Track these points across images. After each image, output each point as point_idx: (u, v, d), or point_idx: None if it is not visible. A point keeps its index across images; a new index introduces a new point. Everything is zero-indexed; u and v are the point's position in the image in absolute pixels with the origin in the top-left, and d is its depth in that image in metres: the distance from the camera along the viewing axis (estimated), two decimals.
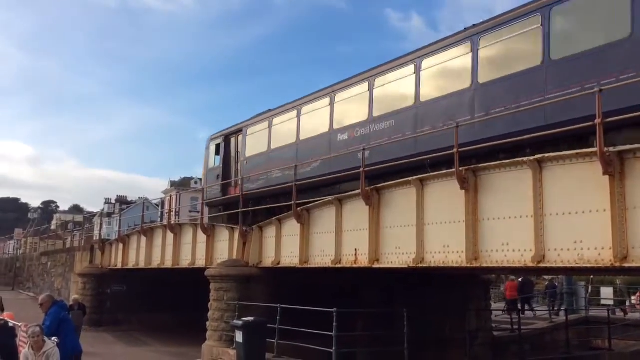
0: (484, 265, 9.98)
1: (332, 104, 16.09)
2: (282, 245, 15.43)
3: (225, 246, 17.66)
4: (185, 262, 19.90)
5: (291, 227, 15.01)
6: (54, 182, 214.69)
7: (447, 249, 10.50)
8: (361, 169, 12.31)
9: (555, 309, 25.87)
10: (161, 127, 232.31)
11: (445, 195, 10.66)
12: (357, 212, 12.79)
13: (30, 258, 38.23)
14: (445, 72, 12.98)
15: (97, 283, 25.15)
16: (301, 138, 17.01)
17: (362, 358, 14.71)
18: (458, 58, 12.52)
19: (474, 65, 12.03)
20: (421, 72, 13.36)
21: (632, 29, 9.42)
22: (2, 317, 13.14)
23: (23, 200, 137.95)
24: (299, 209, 14.48)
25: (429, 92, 13.21)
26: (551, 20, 10.63)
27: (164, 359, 17.93)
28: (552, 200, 8.90)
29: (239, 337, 13.84)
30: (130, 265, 23.93)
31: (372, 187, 12.38)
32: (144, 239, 22.74)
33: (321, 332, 12.76)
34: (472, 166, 10.18)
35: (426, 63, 13.30)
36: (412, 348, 13.45)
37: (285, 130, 18.04)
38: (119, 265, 24.90)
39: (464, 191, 10.08)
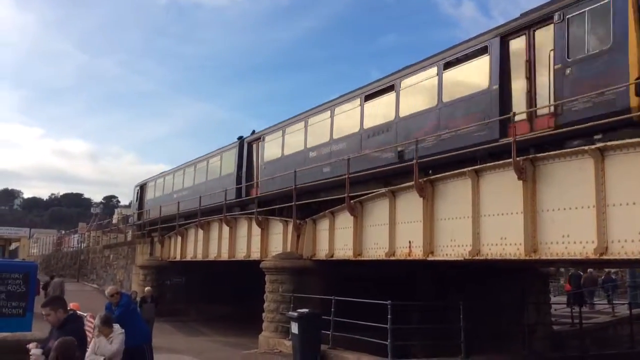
0: (543, 257, 9.75)
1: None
2: (336, 238, 15.51)
3: (280, 239, 17.90)
4: (240, 254, 20.29)
5: (344, 220, 15.06)
6: (112, 177, 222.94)
7: (504, 241, 10.31)
8: (414, 161, 12.21)
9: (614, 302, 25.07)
10: (215, 122, 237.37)
11: (501, 186, 10.46)
12: (410, 204, 12.72)
13: (93, 251, 39.74)
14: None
15: (157, 275, 25.91)
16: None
17: (417, 351, 14.62)
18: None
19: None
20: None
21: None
22: (70, 308, 13.84)
23: (85, 196, 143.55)
24: (352, 201, 14.51)
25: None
26: (443, 74, 13.54)
27: (222, 349, 18.31)
28: (614, 190, 8.61)
29: (294, 328, 14.01)
30: (188, 257, 24.59)
31: (425, 178, 12.28)
32: (201, 232, 23.31)
33: (376, 324, 12.76)
34: (531, 156, 9.95)
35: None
36: (469, 341, 13.28)
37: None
38: (178, 258, 25.64)
39: (521, 181, 9.87)
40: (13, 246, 49.44)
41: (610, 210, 8.63)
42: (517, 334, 17.37)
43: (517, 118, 10.72)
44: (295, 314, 14.07)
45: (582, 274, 27.73)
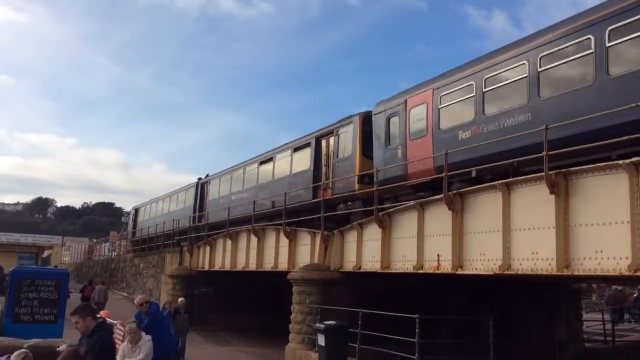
0: (576, 273, 9.54)
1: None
2: (363, 250, 15.46)
3: (307, 250, 17.91)
4: (268, 265, 20.35)
5: (372, 232, 15.01)
6: (142, 186, 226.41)
7: (535, 255, 10.13)
8: (444, 174, 12.13)
9: None
10: (245, 133, 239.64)
11: (533, 200, 10.30)
12: (439, 217, 12.61)
13: (123, 260, 40.32)
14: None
15: (185, 284, 26.04)
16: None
17: None
18: None
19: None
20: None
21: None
22: (100, 316, 14.06)
23: (117, 205, 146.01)
24: (380, 213, 14.47)
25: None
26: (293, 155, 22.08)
27: (249, 359, 18.39)
28: None
29: (321, 340, 13.99)
30: (217, 267, 24.77)
31: (454, 192, 12.18)
32: (229, 242, 23.47)
33: (403, 338, 12.65)
34: (563, 170, 9.78)
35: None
36: (498, 358, 13.06)
37: None
38: (206, 267, 25.84)
39: (553, 196, 9.71)
40: (46, 254, 50.48)
41: None
42: (548, 351, 17.06)
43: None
44: (322, 326, 14.05)
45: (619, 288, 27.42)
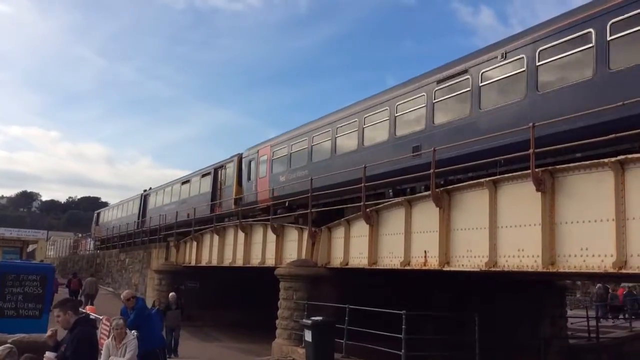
0: (561, 270, 9.63)
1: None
2: (351, 246, 15.49)
3: (295, 246, 17.92)
4: (255, 261, 20.33)
5: (360, 228, 15.04)
6: (128, 181, 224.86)
7: (521, 252, 10.21)
8: (431, 170, 12.18)
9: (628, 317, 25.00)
10: (232, 128, 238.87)
11: (519, 198, 10.38)
12: (426, 214, 12.67)
13: (109, 255, 40.01)
14: None
15: (172, 280, 25.97)
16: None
17: None
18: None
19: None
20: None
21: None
22: (84, 310, 13.96)
23: (103, 199, 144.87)
24: (367, 210, 14.49)
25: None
26: (201, 180, 30.62)
27: (235, 355, 18.37)
28: (634, 203, 8.49)
29: (308, 336, 14.00)
30: (204, 263, 24.69)
31: (442, 188, 12.23)
32: (216, 238, 23.42)
33: (390, 334, 12.70)
34: (550, 167, 9.86)
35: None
36: (483, 354, 13.17)
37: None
38: (193, 263, 25.75)
39: (540, 193, 9.78)
40: (30, 248, 50.04)
41: (629, 223, 8.51)
42: (532, 347, 17.22)
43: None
44: (309, 321, 14.05)
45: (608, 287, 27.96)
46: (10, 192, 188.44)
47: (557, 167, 9.82)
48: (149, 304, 16.31)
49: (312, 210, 16.97)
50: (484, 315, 13.76)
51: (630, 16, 10.00)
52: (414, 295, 15.50)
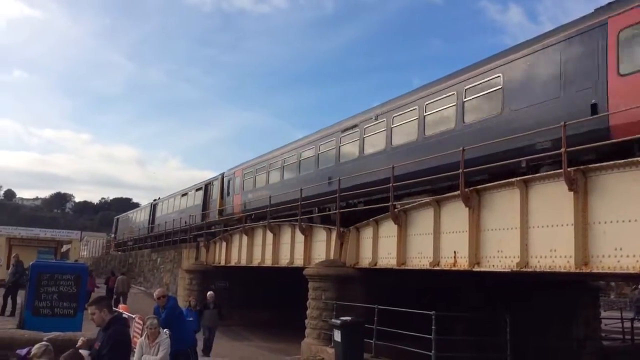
0: (595, 271, 9.45)
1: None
2: (379, 246, 15.45)
3: (323, 246, 17.95)
4: (284, 261, 20.42)
5: (388, 228, 14.99)
6: (158, 182, 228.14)
7: (553, 253, 10.05)
8: (460, 170, 12.07)
9: None
10: (259, 129, 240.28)
11: (551, 197, 10.22)
12: (456, 214, 12.56)
13: (141, 254, 40.67)
14: None
15: (202, 279, 26.24)
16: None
17: None
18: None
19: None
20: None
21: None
22: (116, 309, 14.21)
23: (134, 200, 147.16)
24: (395, 210, 14.44)
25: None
26: (195, 193, 36.51)
27: (265, 354, 18.48)
28: None
29: (337, 335, 14.01)
30: (233, 262, 24.91)
31: (472, 188, 12.12)
32: (245, 238, 23.60)
33: (420, 334, 12.63)
34: (582, 167, 9.68)
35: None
36: (515, 355, 12.99)
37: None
38: (222, 263, 26.00)
39: (572, 193, 9.62)
40: (64, 248, 50.99)
41: None
42: (565, 349, 16.92)
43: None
44: (338, 321, 14.06)
45: None
46: (44, 193, 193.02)
47: (590, 166, 9.64)
48: (181, 304, 16.37)
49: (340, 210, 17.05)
50: (516, 316, 13.58)
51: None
52: (444, 296, 15.39)
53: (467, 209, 12.06)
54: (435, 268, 13.08)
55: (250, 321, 24.54)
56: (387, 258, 14.97)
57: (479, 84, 13.68)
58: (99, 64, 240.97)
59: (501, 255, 11.26)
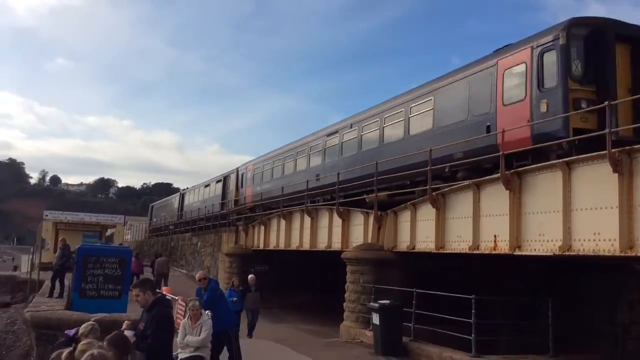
0: None
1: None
2: (417, 230, 15.38)
3: (360, 230, 17.96)
4: (322, 244, 20.53)
5: (426, 212, 14.90)
6: (198, 167, 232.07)
7: (597, 236, 9.82)
8: (500, 153, 11.87)
9: None
10: (297, 114, 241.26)
11: (595, 179, 9.96)
12: (496, 197, 12.38)
13: (182, 238, 41.50)
14: None
15: (242, 262, 26.61)
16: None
17: (502, 347, 14.25)
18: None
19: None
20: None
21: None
22: (159, 291, 14.57)
23: (175, 185, 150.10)
24: (434, 193, 14.31)
25: None
26: (216, 184, 40.82)
27: (304, 336, 18.67)
28: None
29: (375, 319, 14.06)
30: (271, 246, 25.19)
31: (512, 170, 11.91)
32: (283, 222, 23.80)
33: (460, 318, 12.55)
34: (627, 147, 9.40)
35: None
36: (557, 340, 12.79)
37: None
38: (261, 246, 26.32)
39: (617, 174, 9.35)
40: (109, 232, 52.43)
41: None
42: (609, 334, 16.55)
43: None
44: (377, 305, 14.10)
45: None
46: (88, 179, 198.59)
47: (635, 147, 9.35)
48: (222, 287, 16.65)
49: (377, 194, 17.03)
50: (558, 300, 13.34)
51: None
52: (482, 279, 15.22)
53: (508, 192, 11.87)
54: (474, 252, 12.96)
55: (289, 304, 24.83)
56: (425, 242, 14.89)
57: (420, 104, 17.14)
58: (139, 51, 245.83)
59: (543, 238, 11.07)
